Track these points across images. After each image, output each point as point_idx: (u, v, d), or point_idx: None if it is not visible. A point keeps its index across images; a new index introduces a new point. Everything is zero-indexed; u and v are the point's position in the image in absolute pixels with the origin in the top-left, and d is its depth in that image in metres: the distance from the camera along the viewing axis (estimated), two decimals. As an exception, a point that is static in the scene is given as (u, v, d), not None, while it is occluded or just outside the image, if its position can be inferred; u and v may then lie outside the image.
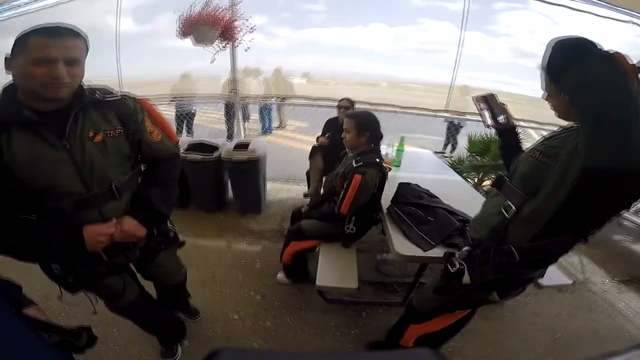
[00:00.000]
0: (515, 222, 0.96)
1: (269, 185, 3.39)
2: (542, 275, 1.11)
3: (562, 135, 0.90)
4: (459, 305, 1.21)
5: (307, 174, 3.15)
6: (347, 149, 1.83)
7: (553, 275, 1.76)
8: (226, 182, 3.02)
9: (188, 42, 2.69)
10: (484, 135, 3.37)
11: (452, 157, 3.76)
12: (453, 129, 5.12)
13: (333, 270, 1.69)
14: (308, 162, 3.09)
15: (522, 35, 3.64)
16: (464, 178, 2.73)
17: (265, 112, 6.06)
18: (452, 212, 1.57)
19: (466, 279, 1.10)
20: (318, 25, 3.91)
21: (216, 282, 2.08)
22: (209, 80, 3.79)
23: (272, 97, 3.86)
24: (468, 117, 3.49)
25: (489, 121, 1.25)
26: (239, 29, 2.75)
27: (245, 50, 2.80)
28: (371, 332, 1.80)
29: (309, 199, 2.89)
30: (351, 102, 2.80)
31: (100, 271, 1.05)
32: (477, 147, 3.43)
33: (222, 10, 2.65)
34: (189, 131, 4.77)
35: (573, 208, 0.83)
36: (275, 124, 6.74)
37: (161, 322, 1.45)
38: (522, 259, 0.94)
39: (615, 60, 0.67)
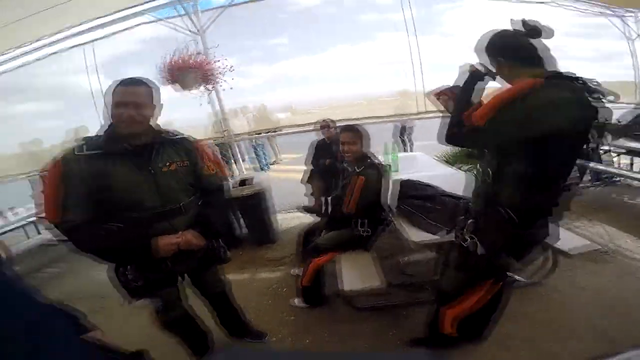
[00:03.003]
0: (499, 184, 1.09)
1: (279, 217, 3.47)
2: (547, 235, 1.20)
3: None
4: (481, 275, 1.28)
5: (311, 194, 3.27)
6: (345, 162, 1.95)
7: (577, 243, 1.75)
8: (236, 218, 3.09)
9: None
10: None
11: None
12: (401, 132, 5.57)
13: (356, 274, 1.75)
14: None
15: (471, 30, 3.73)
16: (467, 171, 2.84)
17: (259, 149, 6.31)
18: (457, 198, 1.68)
19: (480, 249, 1.20)
20: (288, 57, 4.11)
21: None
22: (191, 129, 3.91)
23: (264, 131, 4.03)
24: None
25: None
26: (218, 71, 2.93)
27: (231, 89, 2.99)
28: (411, 331, 1.76)
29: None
30: (333, 121, 3.02)
31: (162, 278, 1.26)
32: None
33: (199, 54, 2.84)
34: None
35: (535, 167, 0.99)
36: (270, 159, 7.00)
37: (199, 337, 1.60)
38: (520, 218, 1.05)
39: None
